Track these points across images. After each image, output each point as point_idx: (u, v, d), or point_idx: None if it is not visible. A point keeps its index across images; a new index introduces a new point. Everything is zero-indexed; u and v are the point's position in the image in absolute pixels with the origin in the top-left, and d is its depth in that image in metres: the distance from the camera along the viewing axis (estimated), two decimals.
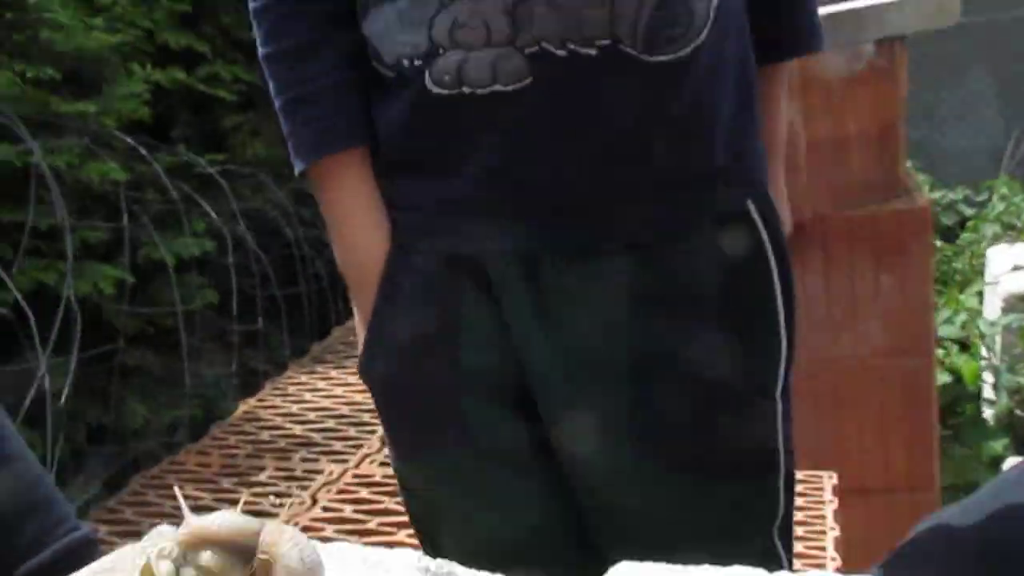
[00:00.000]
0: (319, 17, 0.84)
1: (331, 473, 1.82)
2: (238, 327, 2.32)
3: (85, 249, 2.41)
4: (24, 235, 1.69)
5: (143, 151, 2.04)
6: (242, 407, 2.11)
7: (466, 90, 0.78)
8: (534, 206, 0.82)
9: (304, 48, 0.84)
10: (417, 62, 0.80)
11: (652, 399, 0.86)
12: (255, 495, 1.77)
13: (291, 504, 1.72)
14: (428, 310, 0.86)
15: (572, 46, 0.77)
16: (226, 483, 1.82)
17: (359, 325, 0.89)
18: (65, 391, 1.61)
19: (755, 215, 0.87)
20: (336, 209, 0.87)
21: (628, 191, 0.82)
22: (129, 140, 2.04)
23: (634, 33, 0.77)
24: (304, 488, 1.78)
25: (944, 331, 3.25)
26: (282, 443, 1.95)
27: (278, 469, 1.85)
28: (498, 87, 0.78)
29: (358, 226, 0.86)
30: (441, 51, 0.78)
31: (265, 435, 1.98)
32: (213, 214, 2.21)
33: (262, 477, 1.83)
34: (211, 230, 2.39)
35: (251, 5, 0.86)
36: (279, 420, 2.03)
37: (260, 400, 2.14)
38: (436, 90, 0.79)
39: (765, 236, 0.87)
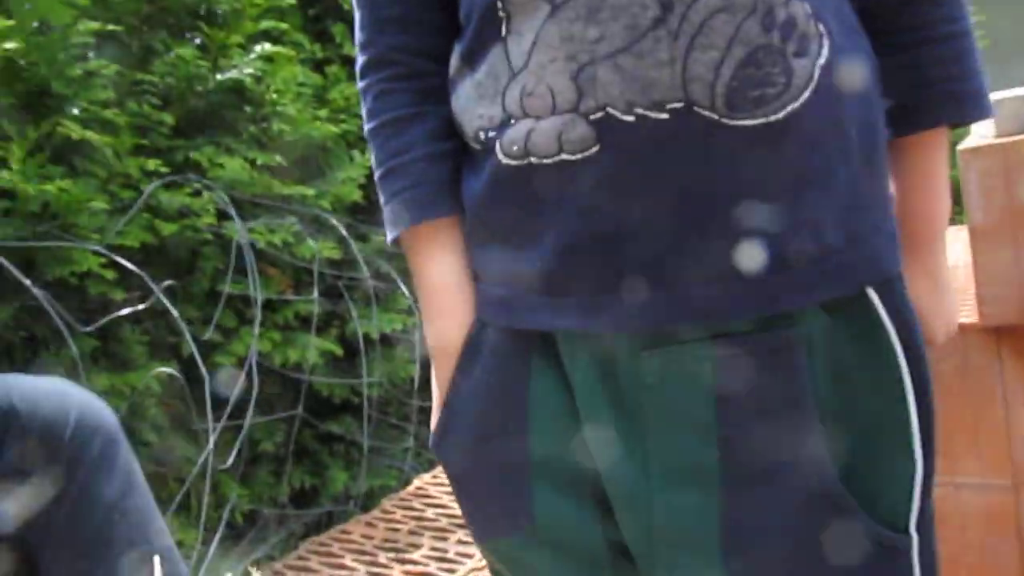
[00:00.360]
0: (416, 94, 0.84)
1: (480, 559, 1.80)
2: (420, 401, 2.39)
3: (301, 321, 2.61)
4: (220, 303, 1.85)
5: (343, 232, 2.18)
6: (416, 482, 2.15)
7: (533, 160, 0.73)
8: (606, 284, 0.74)
9: (400, 122, 0.84)
10: (492, 133, 0.76)
11: (747, 517, 0.76)
12: (405, 573, 1.79)
13: None
14: (498, 389, 0.81)
15: (640, 111, 0.69)
16: (383, 557, 1.86)
17: (436, 399, 0.87)
18: (232, 457, 1.73)
19: (877, 304, 0.74)
20: (423, 278, 0.85)
21: (712, 271, 0.72)
22: (334, 221, 2.19)
23: (712, 95, 0.68)
24: (452, 572, 1.77)
25: None
26: (443, 522, 1.96)
27: (433, 549, 1.86)
28: (564, 156, 0.72)
29: (442, 297, 0.83)
30: (512, 121, 0.74)
31: (429, 512, 2.01)
32: (406, 291, 2.31)
33: (416, 555, 1.85)
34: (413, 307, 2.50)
35: (358, 85, 0.89)
36: (446, 498, 2.05)
37: (434, 476, 2.17)
38: (506, 161, 0.75)
39: (892, 330, 0.74)
